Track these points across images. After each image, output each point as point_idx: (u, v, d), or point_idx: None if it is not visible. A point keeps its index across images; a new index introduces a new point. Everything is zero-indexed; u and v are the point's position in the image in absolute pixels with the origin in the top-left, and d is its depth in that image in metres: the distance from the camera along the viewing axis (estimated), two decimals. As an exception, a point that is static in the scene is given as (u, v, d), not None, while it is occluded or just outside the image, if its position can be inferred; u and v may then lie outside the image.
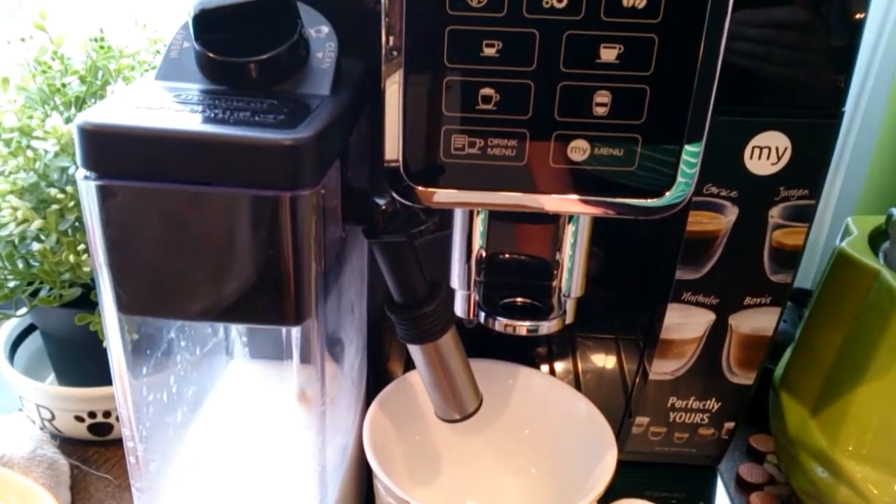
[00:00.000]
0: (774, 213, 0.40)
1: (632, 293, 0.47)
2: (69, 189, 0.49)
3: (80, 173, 0.27)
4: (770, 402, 0.55)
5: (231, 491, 0.38)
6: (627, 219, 0.34)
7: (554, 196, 0.33)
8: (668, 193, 0.33)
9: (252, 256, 0.27)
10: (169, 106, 0.27)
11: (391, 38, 0.31)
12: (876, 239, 0.51)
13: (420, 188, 0.33)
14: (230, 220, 0.26)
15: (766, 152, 0.38)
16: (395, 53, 0.31)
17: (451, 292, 0.39)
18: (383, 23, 0.31)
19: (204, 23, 0.29)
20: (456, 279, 0.39)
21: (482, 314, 0.39)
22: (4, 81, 0.54)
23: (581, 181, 0.33)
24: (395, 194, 0.33)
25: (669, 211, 0.33)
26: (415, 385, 0.45)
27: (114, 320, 0.30)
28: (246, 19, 0.30)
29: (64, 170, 0.50)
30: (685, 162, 0.32)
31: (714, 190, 0.40)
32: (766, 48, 0.37)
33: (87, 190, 0.26)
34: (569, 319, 0.39)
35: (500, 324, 0.38)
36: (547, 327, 0.37)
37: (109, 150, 0.26)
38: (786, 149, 0.38)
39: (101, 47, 0.53)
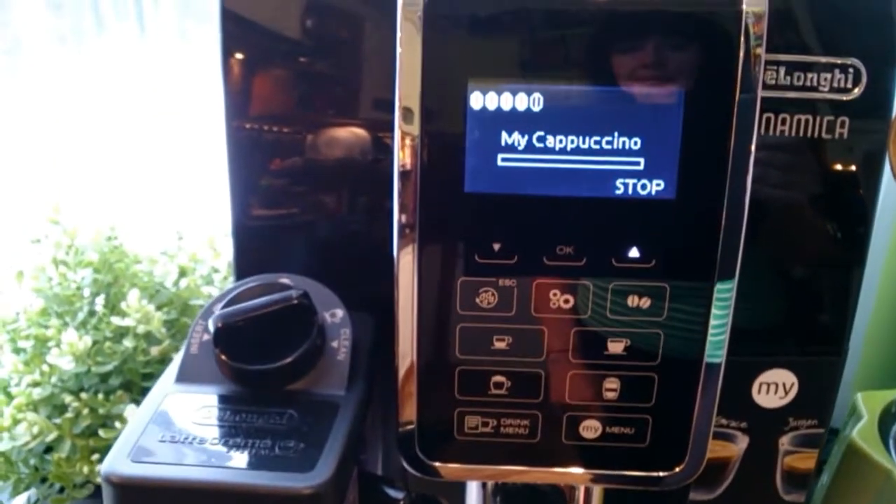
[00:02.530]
0: (784, 441, 0.41)
1: None
2: (84, 396, 0.50)
3: (105, 509, 0.27)
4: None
5: None
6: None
7: (567, 469, 0.33)
8: (679, 468, 0.33)
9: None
10: (192, 437, 0.28)
11: (404, 328, 0.32)
12: (886, 420, 0.51)
13: (433, 463, 0.34)
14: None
15: (774, 388, 0.39)
16: (407, 341, 0.32)
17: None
18: (397, 315, 0.31)
19: (227, 334, 0.30)
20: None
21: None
22: (19, 276, 0.55)
23: (595, 457, 0.33)
24: (406, 464, 0.34)
25: (684, 481, 0.33)
26: None
27: None
28: (266, 324, 0.31)
29: (78, 376, 0.51)
30: (697, 436, 0.33)
31: (724, 421, 0.40)
32: (769, 292, 0.38)
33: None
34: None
35: None
36: None
37: (136, 501, 0.26)
38: (793, 384, 0.39)
39: (114, 248, 0.54)
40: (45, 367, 0.49)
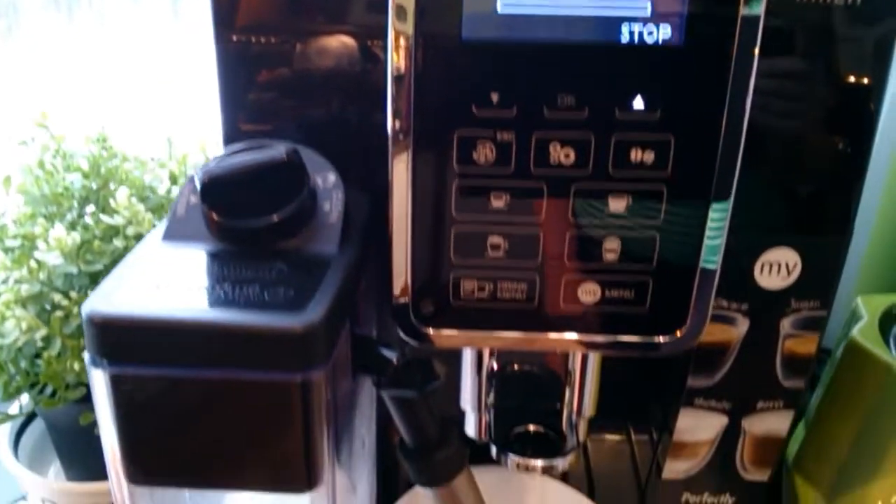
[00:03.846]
0: (786, 324, 0.40)
1: (643, 394, 0.47)
2: (73, 295, 0.49)
3: (88, 357, 0.26)
4: (784, 482, 0.55)
5: None
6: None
7: (566, 336, 0.33)
8: (679, 332, 0.32)
9: (263, 435, 0.27)
10: (177, 282, 0.27)
11: (399, 186, 0.31)
12: (886, 321, 0.51)
13: (430, 330, 0.33)
14: (241, 403, 0.26)
15: (776, 268, 0.38)
16: (402, 201, 0.31)
17: (462, 416, 0.39)
18: (391, 170, 0.30)
19: (213, 188, 0.29)
20: (467, 400, 0.39)
21: (493, 448, 0.38)
22: (6, 181, 0.54)
23: (593, 321, 0.32)
24: (402, 333, 0.33)
25: (684, 347, 0.33)
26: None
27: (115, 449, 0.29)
28: (254, 181, 0.29)
29: (68, 275, 0.50)
30: (698, 300, 0.32)
31: (724, 304, 0.39)
32: (775, 168, 0.36)
33: (97, 377, 0.26)
34: (581, 439, 0.39)
35: (513, 462, 0.37)
36: (562, 464, 0.37)
37: (119, 339, 0.25)
38: (796, 264, 0.38)
39: (104, 147, 0.53)
40: (33, 264, 0.48)
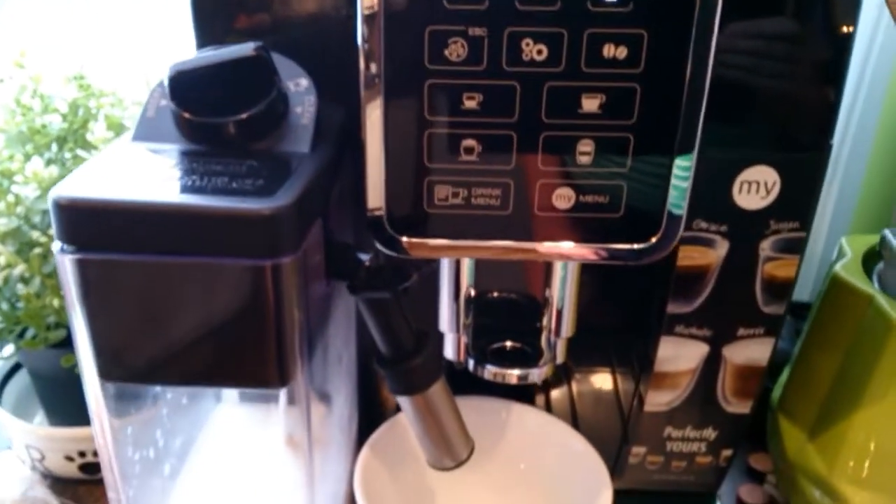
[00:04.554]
0: (765, 247, 0.40)
1: (625, 326, 0.46)
2: (52, 232, 0.49)
3: (56, 245, 0.26)
4: (768, 423, 0.55)
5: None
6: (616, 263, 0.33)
7: (541, 244, 0.33)
8: (654, 238, 0.32)
9: (234, 325, 0.27)
10: (146, 173, 0.27)
11: (370, 92, 0.30)
12: (870, 260, 0.51)
13: (404, 238, 0.33)
14: (211, 290, 0.26)
15: (755, 187, 0.38)
16: (375, 107, 0.31)
17: (440, 337, 0.39)
18: (362, 76, 0.30)
19: (180, 84, 0.29)
20: (445, 322, 0.39)
21: (471, 362, 0.38)
22: (-16, 121, 0.54)
23: (568, 228, 0.32)
24: (378, 244, 0.33)
25: (658, 255, 0.33)
26: (407, 426, 0.44)
27: (95, 385, 0.29)
28: (222, 78, 0.29)
29: (46, 213, 0.49)
30: (672, 205, 0.32)
31: (703, 225, 0.39)
32: (751, 81, 0.36)
33: (64, 263, 0.26)
34: (559, 360, 0.39)
35: (490, 372, 0.37)
36: (537, 374, 0.37)
37: (86, 224, 0.25)
38: (774, 183, 0.38)
39: (81, 86, 0.52)
40: (11, 199, 0.47)
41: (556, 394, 0.51)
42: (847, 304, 0.48)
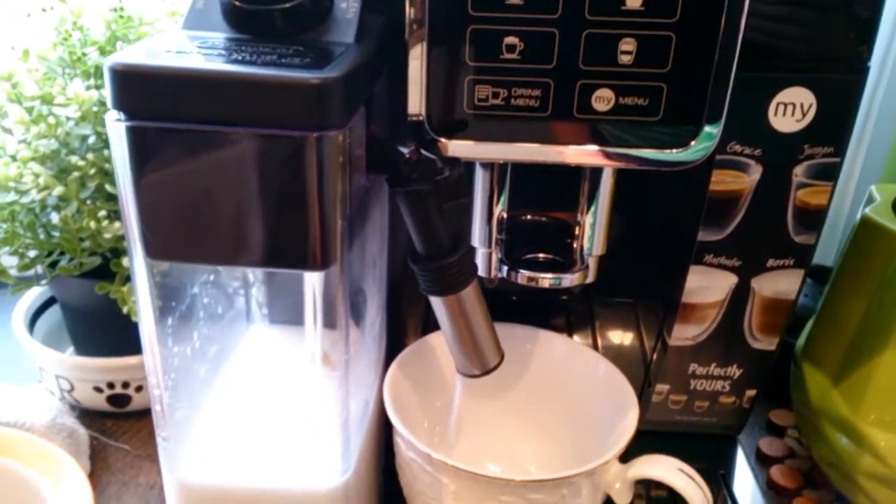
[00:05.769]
0: (798, 172, 0.40)
1: (653, 256, 0.47)
2: (90, 157, 0.50)
3: (111, 115, 0.27)
4: (791, 374, 0.55)
5: (255, 441, 0.38)
6: (651, 175, 0.33)
7: (577, 148, 0.33)
8: (692, 144, 0.32)
9: (279, 198, 0.27)
10: (197, 51, 0.27)
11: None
12: (899, 208, 0.51)
13: (444, 140, 0.33)
14: (257, 161, 0.26)
15: (791, 109, 0.38)
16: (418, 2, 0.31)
17: (473, 250, 0.39)
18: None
19: (229, -30, 0.29)
20: (477, 237, 0.39)
21: (504, 268, 0.39)
22: (25, 53, 0.55)
23: (605, 132, 0.33)
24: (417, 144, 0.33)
25: (694, 163, 0.33)
26: (435, 348, 0.45)
27: (142, 267, 0.30)
28: (271, -33, 0.30)
29: (84, 138, 0.50)
30: (712, 107, 0.32)
31: (738, 148, 0.39)
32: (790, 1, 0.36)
33: (117, 131, 0.26)
34: (590, 278, 0.39)
35: (524, 276, 0.37)
36: (570, 280, 0.37)
37: (139, 91, 0.26)
38: (810, 105, 0.38)
39: (121, 17, 0.53)
40: (52, 120, 0.48)
41: (578, 331, 0.51)
42: (876, 246, 0.47)
